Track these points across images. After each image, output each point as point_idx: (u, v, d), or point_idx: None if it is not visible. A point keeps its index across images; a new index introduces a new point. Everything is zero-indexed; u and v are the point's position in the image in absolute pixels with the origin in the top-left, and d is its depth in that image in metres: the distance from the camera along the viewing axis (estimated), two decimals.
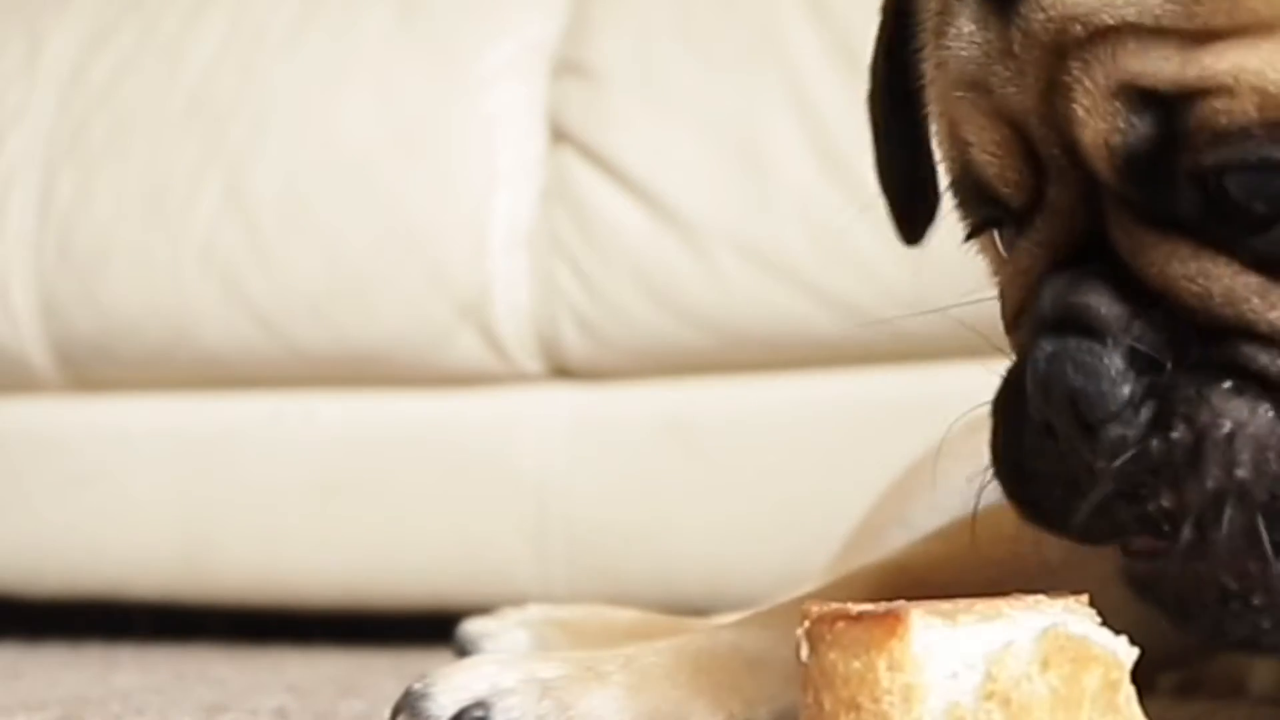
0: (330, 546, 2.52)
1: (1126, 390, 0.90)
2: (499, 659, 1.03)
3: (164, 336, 2.59)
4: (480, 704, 0.99)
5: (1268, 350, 0.89)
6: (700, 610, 1.81)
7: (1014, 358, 0.99)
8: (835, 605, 0.85)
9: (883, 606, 0.84)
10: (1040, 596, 0.86)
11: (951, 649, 0.83)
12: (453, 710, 0.99)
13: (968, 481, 1.34)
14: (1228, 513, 0.88)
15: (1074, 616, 0.85)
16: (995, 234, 1.02)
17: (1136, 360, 0.90)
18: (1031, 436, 0.95)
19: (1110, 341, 0.91)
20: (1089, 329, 0.92)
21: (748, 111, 2.36)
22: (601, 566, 2.39)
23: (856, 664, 0.83)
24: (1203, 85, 0.87)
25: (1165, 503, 0.90)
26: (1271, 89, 0.86)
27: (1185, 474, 0.89)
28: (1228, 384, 0.89)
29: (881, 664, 0.82)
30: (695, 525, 2.35)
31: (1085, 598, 0.87)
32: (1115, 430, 0.90)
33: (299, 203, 2.55)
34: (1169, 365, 0.90)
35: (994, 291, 1.06)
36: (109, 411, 2.65)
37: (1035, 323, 0.95)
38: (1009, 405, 0.97)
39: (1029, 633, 0.83)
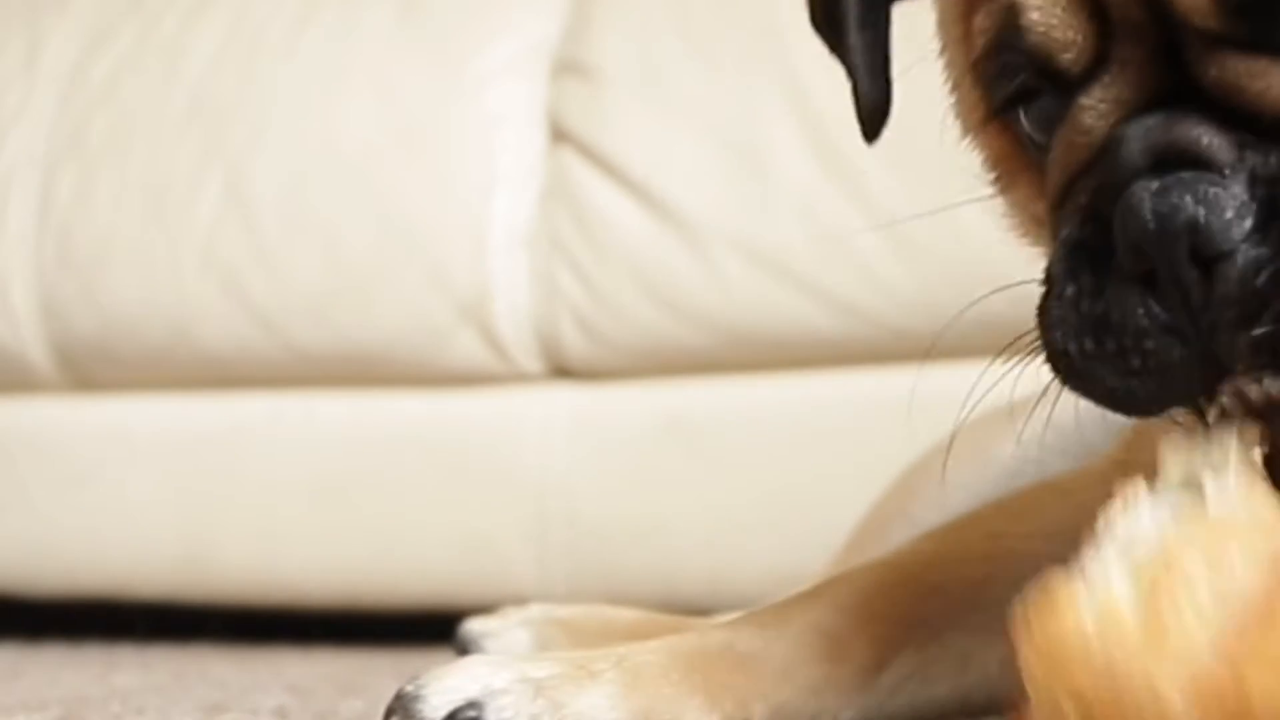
0: (330, 546, 2.52)
1: (1249, 220, 0.85)
2: (491, 660, 1.03)
3: (164, 336, 2.59)
4: (472, 704, 0.99)
5: None
6: (700, 610, 1.81)
7: (1056, 242, 0.93)
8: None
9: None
10: None
11: None
12: (445, 711, 0.99)
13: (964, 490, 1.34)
14: None
15: None
16: (1021, 113, 0.97)
17: (1255, 188, 0.86)
18: (1121, 298, 0.88)
19: (1227, 171, 0.86)
20: (1198, 161, 0.87)
21: (748, 111, 2.35)
22: (601, 566, 2.39)
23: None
24: None
25: None
26: None
27: None
28: None
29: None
30: (695, 525, 2.35)
31: None
32: (1246, 255, 0.84)
33: (299, 203, 2.55)
34: None
35: (988, 189, 1.03)
36: (109, 411, 2.65)
37: (1119, 172, 0.89)
38: (1076, 274, 0.90)
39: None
